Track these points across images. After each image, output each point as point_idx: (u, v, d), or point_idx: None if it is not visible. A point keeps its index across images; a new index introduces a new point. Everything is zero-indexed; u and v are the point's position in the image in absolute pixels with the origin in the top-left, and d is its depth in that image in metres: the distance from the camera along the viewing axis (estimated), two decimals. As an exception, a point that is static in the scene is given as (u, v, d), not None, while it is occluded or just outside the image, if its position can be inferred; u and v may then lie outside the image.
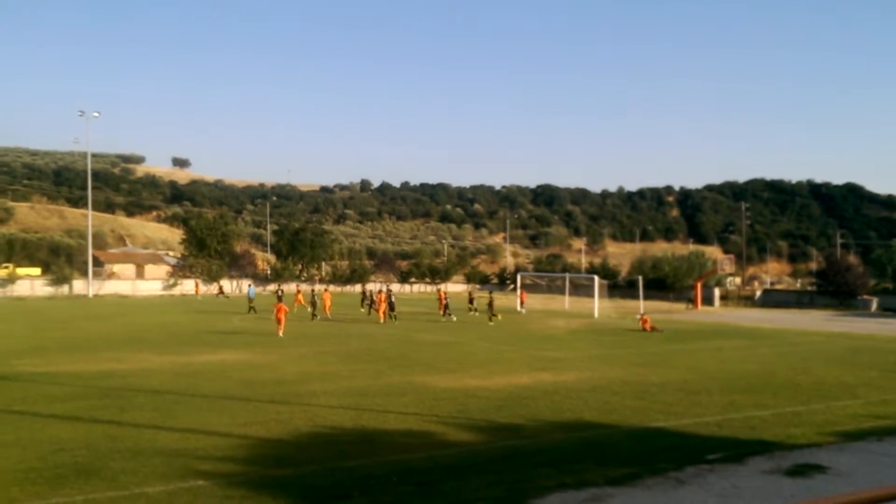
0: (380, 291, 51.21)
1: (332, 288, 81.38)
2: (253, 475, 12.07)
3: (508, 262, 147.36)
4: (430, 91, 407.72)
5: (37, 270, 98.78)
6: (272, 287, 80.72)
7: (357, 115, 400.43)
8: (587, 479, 11.70)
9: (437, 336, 37.33)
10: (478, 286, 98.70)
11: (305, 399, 18.97)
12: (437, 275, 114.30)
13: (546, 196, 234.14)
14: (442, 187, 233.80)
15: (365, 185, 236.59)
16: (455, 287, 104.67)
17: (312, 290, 54.82)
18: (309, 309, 49.64)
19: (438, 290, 56.48)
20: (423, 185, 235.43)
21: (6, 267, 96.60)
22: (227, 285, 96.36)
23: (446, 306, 49.76)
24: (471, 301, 53.72)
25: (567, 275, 74.13)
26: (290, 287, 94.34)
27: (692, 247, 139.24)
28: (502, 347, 32.22)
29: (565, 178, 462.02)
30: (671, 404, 18.62)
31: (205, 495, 10.93)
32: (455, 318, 47.62)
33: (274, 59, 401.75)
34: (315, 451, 13.69)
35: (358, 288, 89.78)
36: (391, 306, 47.58)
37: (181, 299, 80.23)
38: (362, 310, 56.05)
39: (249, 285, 64.22)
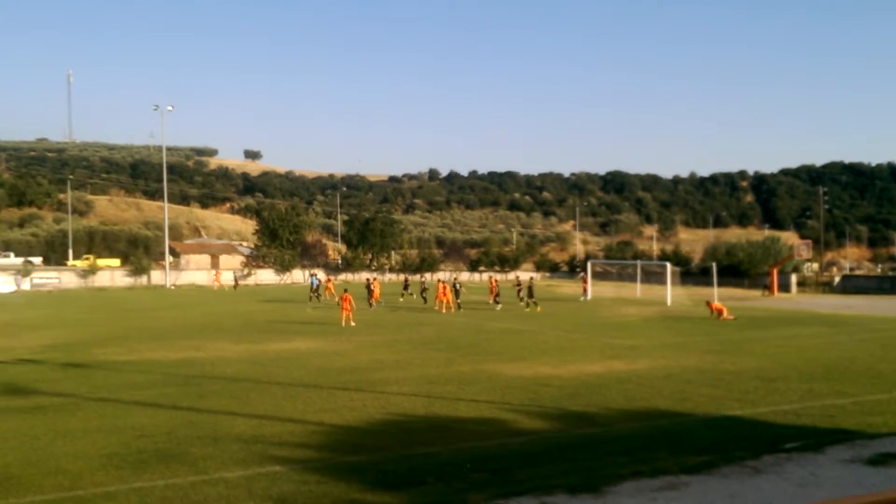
0: (440, 281, 51.34)
1: (380, 277, 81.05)
2: (328, 461, 12.23)
3: (578, 249, 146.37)
4: (497, 80, 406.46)
5: (116, 261, 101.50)
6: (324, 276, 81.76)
7: (425, 104, 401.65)
8: (661, 467, 11.57)
9: (507, 324, 37.28)
10: (533, 275, 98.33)
11: (378, 386, 19.14)
12: (506, 263, 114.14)
13: (616, 183, 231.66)
14: (510, 175, 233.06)
15: (433, 174, 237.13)
16: (524, 275, 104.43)
17: (368, 279, 55.86)
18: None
19: (490, 278, 56.15)
20: (490, 174, 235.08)
21: (87, 258, 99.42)
22: (299, 275, 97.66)
23: (497, 294, 49.43)
24: (520, 290, 52.71)
25: (638, 262, 73.25)
26: (360, 276, 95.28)
27: (767, 232, 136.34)
28: (574, 335, 32.03)
29: (635, 164, 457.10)
30: (747, 392, 18.28)
31: (281, 480, 11.12)
32: (500, 307, 47.27)
33: (341, 51, 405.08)
34: (388, 438, 13.81)
35: (428, 277, 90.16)
36: (457, 294, 47.73)
37: (255, 289, 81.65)
38: (401, 299, 56.13)
39: (312, 275, 65.14)
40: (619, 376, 20.80)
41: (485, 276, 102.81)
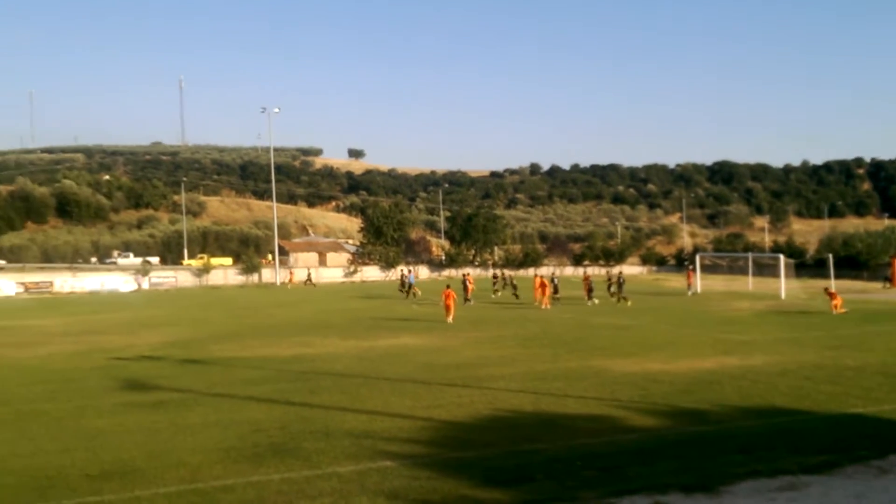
0: (536, 276, 51.12)
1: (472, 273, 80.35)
2: (437, 457, 12.29)
3: (685, 242, 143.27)
4: (597, 72, 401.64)
5: (228, 260, 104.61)
6: (446, 273, 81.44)
7: (525, 99, 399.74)
8: (780, 466, 11.20)
9: (613, 319, 36.78)
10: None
11: (485, 382, 19.15)
12: (611, 257, 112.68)
13: (724, 173, 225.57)
14: (613, 168, 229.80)
15: (535, 168, 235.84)
16: (630, 269, 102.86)
17: (464, 276, 56.32)
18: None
19: (584, 274, 55.61)
20: (593, 167, 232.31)
21: (201, 257, 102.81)
22: (404, 271, 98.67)
23: (590, 290, 48.63)
24: (612, 284, 51.28)
25: (749, 254, 71.33)
26: (458, 272, 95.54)
27: (887, 222, 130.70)
28: (683, 330, 31.34)
29: (743, 153, 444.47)
30: (870, 389, 17.54)
31: (392, 476, 11.24)
32: (597, 302, 46.52)
33: (441, 48, 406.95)
34: (496, 434, 13.80)
35: (531, 272, 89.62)
36: (555, 290, 47.38)
37: (360, 286, 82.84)
38: (493, 295, 55.64)
39: (409, 272, 65.83)
40: (732, 372, 20.25)
41: (589, 270, 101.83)
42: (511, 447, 12.84)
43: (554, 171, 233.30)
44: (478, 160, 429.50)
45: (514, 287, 55.17)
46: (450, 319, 36.16)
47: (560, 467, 11.52)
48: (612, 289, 50.52)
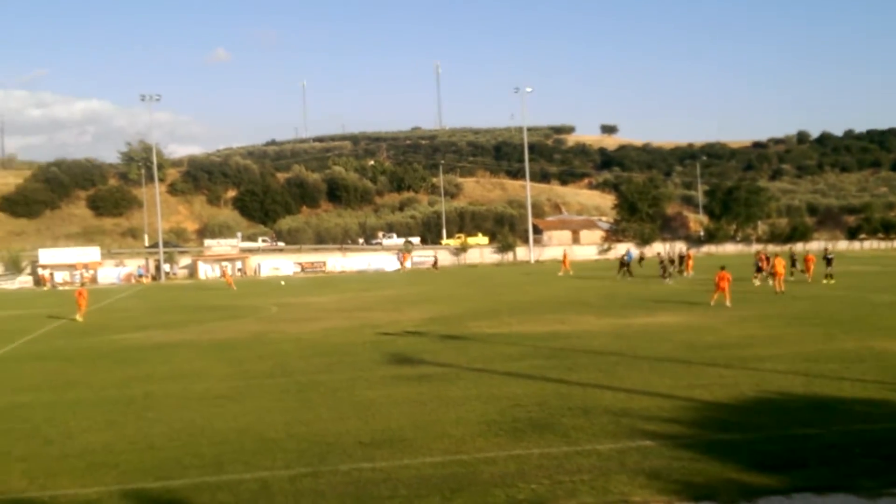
0: (758, 252, 47.99)
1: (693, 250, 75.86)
2: (699, 438, 11.96)
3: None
4: (872, 26, 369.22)
5: (484, 240, 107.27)
6: (706, 249, 78.04)
7: (791, 62, 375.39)
8: None
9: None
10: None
11: (750, 363, 18.34)
12: (890, 229, 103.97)
13: None
14: (893, 133, 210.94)
15: (802, 136, 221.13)
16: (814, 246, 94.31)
17: (680, 251, 54.34)
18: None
19: (757, 253, 51.41)
20: (870, 132, 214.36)
21: (459, 237, 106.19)
22: (659, 247, 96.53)
23: (759, 269, 44.57)
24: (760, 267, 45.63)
25: None
26: (724, 249, 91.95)
27: None
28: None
29: None
30: None
31: (653, 455, 11.06)
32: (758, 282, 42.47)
33: (698, 12, 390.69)
34: (763, 417, 13.19)
35: (798, 247, 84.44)
36: (828, 262, 44.11)
37: (614, 263, 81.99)
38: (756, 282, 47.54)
39: (628, 250, 64.29)
40: None
41: (865, 244, 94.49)
42: (780, 431, 12.22)
43: (824, 138, 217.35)
44: (739, 130, 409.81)
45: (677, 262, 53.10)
46: (719, 301, 32.72)
47: (836, 454, 10.83)
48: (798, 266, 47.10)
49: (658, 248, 77.36)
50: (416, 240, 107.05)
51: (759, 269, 45.08)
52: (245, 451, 12.12)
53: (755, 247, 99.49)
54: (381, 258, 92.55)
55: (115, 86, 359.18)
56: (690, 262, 52.31)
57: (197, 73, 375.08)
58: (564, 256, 67.44)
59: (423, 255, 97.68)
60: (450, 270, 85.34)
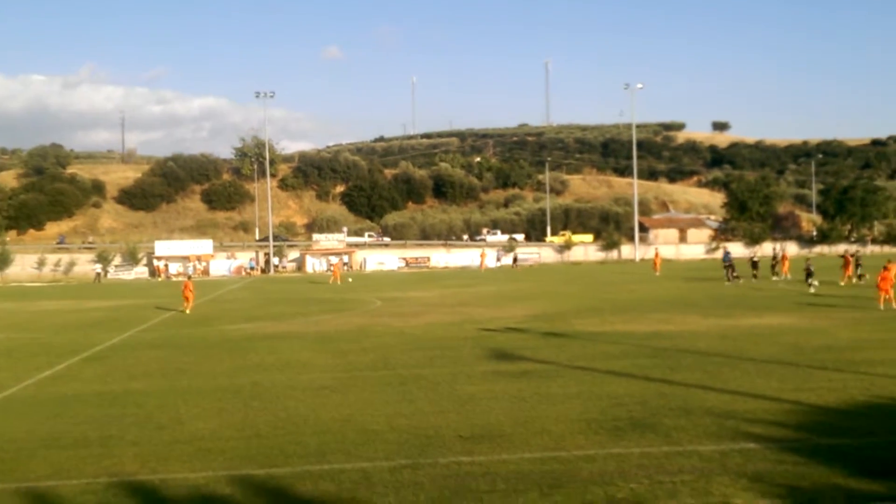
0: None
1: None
2: (805, 442, 11.69)
3: None
4: None
5: (589, 237, 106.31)
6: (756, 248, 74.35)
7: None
8: None
9: None
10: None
11: (860, 367, 17.75)
12: None
13: None
14: None
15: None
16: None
17: (774, 250, 52.32)
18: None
19: (846, 253, 49.27)
20: None
21: (563, 234, 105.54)
22: (769, 248, 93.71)
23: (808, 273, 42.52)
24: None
25: None
26: (837, 249, 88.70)
27: None
28: None
29: None
30: None
31: (756, 458, 10.88)
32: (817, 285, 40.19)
33: (805, 10, 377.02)
34: (873, 422, 12.79)
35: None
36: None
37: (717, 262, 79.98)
38: (775, 277, 49.85)
39: (726, 250, 62.10)
40: None
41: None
42: (890, 437, 11.86)
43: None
44: (856, 127, 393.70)
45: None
46: (882, 305, 30.53)
47: (949, 463, 10.46)
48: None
49: (767, 249, 73.97)
50: (520, 237, 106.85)
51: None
52: (347, 441, 12.45)
53: (870, 248, 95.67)
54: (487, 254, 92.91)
55: (231, 83, 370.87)
56: (787, 263, 50.42)
57: (310, 71, 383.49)
58: (656, 255, 65.82)
59: (527, 253, 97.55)
60: (553, 268, 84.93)
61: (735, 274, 47.58)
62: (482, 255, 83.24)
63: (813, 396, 14.82)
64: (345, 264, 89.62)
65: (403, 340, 25.05)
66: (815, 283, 40.66)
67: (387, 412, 14.48)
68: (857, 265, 45.52)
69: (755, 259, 52.18)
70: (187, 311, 37.15)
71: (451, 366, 19.71)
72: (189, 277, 41.54)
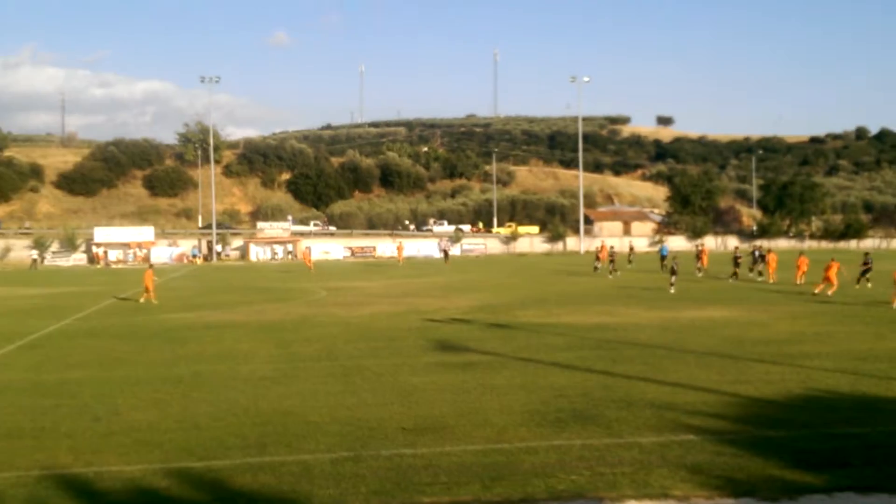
0: (769, 251, 46.85)
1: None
2: (743, 434, 11.88)
3: None
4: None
5: (535, 229, 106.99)
6: (758, 243, 75.86)
7: (851, 55, 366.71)
8: None
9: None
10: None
11: (797, 360, 18.10)
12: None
13: None
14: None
15: (861, 132, 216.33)
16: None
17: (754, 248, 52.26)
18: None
19: (699, 246, 50.50)
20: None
21: (510, 226, 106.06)
22: (711, 242, 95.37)
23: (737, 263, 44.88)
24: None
25: None
26: (777, 244, 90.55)
27: None
28: None
29: None
30: None
31: (696, 450, 11.02)
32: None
33: (750, 7, 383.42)
34: (808, 415, 13.05)
35: (853, 244, 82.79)
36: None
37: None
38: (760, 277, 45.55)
39: (664, 243, 62.98)
40: None
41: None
42: (825, 429, 12.09)
43: (883, 134, 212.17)
44: (796, 125, 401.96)
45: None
46: (829, 292, 34.13)
47: (880, 454, 10.71)
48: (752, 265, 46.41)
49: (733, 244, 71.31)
50: (466, 227, 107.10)
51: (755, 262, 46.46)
52: (288, 433, 12.32)
53: (808, 243, 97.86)
54: (430, 244, 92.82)
55: (176, 67, 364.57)
56: (705, 258, 50.00)
57: (257, 56, 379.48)
58: (602, 248, 60.45)
59: (473, 243, 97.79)
60: (499, 259, 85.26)
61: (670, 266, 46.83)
62: (399, 248, 76.58)
63: (751, 389, 15.07)
64: (289, 253, 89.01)
65: (348, 331, 24.89)
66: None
67: (329, 404, 14.36)
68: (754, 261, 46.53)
69: (738, 256, 47.01)
70: (154, 301, 35.43)
71: (395, 357, 19.64)
72: (150, 266, 40.29)
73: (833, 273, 34.83)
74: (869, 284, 37.32)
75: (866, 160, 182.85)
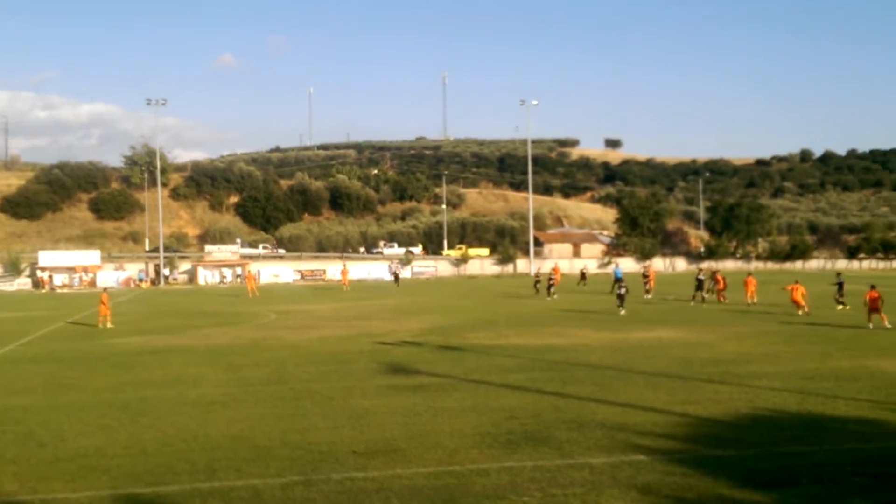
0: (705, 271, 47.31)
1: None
2: (693, 453, 11.98)
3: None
4: (874, 48, 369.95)
5: (485, 251, 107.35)
6: (705, 265, 76.78)
7: (794, 80, 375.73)
8: None
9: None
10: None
11: (745, 380, 18.35)
12: (890, 249, 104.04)
13: None
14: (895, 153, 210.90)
15: (805, 155, 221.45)
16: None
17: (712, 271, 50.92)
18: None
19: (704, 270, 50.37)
20: (873, 152, 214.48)
21: (460, 248, 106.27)
22: (660, 263, 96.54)
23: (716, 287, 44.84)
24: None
25: None
26: (724, 265, 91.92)
27: None
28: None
29: None
30: None
31: (646, 470, 11.08)
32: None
33: (699, 28, 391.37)
34: (757, 434, 13.21)
35: (798, 265, 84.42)
36: (699, 286, 44.51)
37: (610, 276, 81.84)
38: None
39: (616, 265, 63.90)
40: None
41: (864, 264, 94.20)
42: (773, 448, 12.25)
43: (827, 157, 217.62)
44: (742, 147, 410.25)
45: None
46: (800, 312, 35.12)
47: (827, 472, 10.87)
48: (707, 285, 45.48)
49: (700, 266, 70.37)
50: (417, 249, 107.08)
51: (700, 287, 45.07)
52: (238, 458, 12.13)
53: (754, 264, 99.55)
54: (380, 267, 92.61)
55: (122, 90, 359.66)
56: (651, 281, 50.29)
57: (204, 79, 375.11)
58: (555, 271, 62.06)
59: (423, 266, 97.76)
60: (450, 281, 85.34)
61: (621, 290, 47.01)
62: (343, 272, 72.03)
63: (700, 409, 15.23)
64: (237, 276, 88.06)
65: (297, 354, 24.67)
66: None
67: (279, 428, 14.18)
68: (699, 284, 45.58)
69: (700, 277, 46.27)
70: (110, 325, 34.92)
71: (345, 380, 19.49)
72: (105, 290, 39.54)
73: (798, 296, 35.53)
74: (847, 307, 36.91)
75: (811, 182, 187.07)
